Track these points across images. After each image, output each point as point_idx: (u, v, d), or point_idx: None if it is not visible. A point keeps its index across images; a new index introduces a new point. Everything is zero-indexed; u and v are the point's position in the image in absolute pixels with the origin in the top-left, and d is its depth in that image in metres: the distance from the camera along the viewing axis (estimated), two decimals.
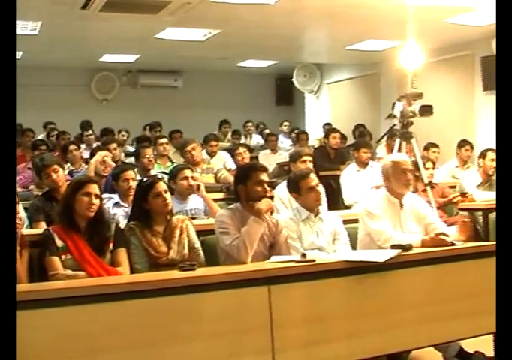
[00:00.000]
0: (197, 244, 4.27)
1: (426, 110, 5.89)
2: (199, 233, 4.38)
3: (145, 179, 4.43)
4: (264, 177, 4.16)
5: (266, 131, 11.93)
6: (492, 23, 7.87)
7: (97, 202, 3.95)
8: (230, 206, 4.26)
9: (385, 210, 4.56)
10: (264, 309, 3.34)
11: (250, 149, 9.06)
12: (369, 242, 4.53)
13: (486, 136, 9.15)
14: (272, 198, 5.39)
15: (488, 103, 9.25)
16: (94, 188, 3.98)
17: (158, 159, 7.60)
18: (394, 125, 6.23)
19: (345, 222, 4.74)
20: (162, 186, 4.23)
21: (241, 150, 8.19)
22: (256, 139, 12.05)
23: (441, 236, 4.23)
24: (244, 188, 4.13)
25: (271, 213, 4.28)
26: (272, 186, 5.79)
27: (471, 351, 4.22)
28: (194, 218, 5.13)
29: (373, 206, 4.58)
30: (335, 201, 6.72)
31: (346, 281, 3.61)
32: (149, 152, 6.85)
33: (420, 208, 4.70)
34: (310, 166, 5.78)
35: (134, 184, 4.99)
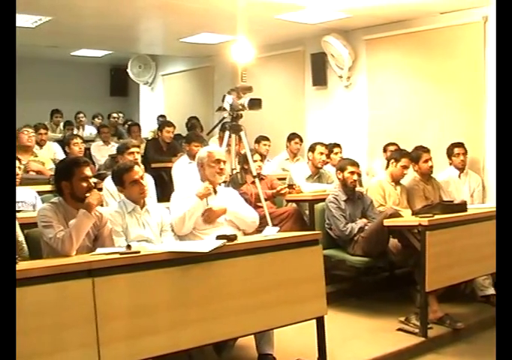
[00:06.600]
0: (21, 238, 4.15)
1: (255, 104, 5.99)
2: (24, 226, 4.26)
3: None
4: (88, 172, 4.08)
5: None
6: (321, 21, 8.20)
7: None
8: (53, 200, 4.11)
9: None
10: (88, 302, 3.28)
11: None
12: None
13: (314, 130, 9.49)
14: (101, 190, 5.34)
15: (317, 97, 9.59)
16: None
17: None
18: (224, 118, 6.30)
19: None
20: None
21: (78, 140, 7.91)
22: (89, 130, 11.83)
23: None
24: (68, 184, 4.01)
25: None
26: (102, 178, 5.73)
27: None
28: (19, 211, 4.98)
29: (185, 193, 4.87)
30: (167, 193, 6.72)
31: (171, 272, 3.62)
32: None
33: (235, 198, 5.08)
34: (138, 157, 5.76)
35: None
